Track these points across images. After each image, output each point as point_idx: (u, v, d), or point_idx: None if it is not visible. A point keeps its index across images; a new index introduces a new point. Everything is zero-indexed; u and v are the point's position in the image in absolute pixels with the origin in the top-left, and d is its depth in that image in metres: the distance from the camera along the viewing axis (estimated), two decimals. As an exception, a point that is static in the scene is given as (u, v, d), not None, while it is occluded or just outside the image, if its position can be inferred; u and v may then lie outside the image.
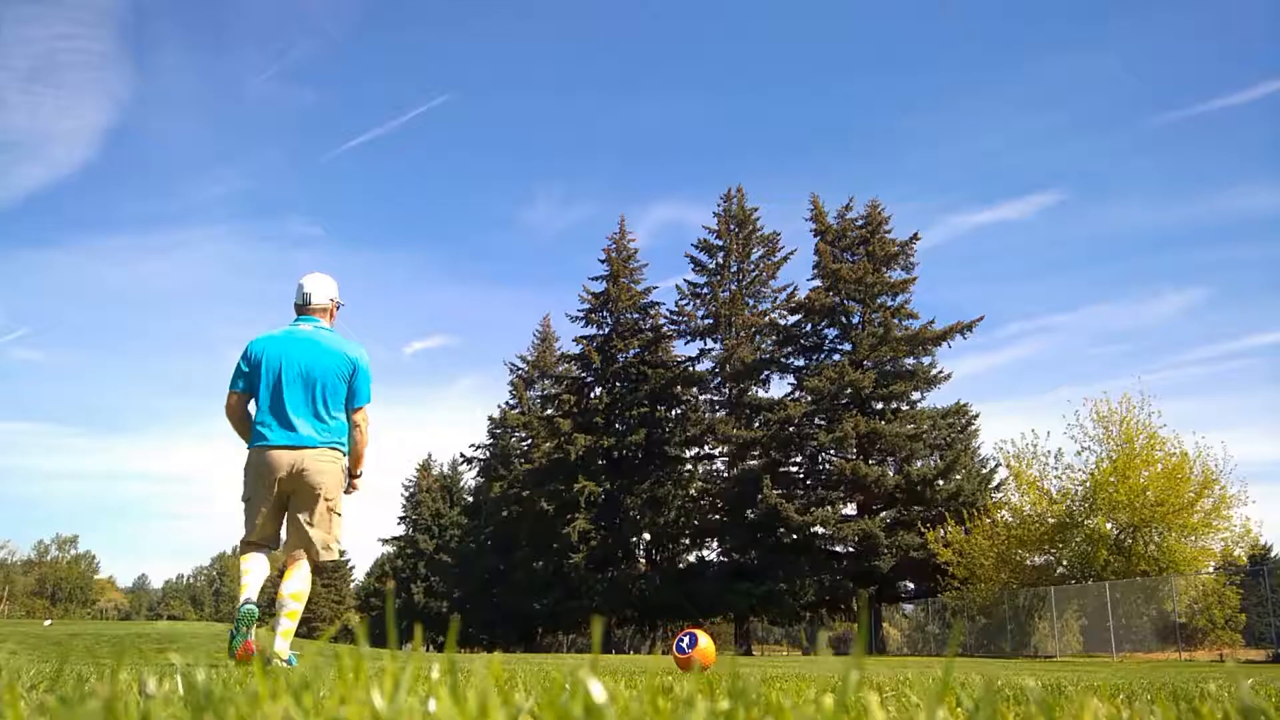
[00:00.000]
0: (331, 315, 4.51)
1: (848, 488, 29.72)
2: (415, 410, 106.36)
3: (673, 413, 35.73)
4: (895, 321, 30.17)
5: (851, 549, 29.37)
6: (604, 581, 32.89)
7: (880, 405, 30.56)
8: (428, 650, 36.64)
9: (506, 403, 44.91)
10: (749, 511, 31.17)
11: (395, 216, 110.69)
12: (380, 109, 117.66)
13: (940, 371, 30.72)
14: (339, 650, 1.14)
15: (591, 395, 36.51)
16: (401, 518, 51.54)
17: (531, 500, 35.18)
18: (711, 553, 34.41)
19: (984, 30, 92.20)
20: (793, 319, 33.18)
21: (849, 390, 29.54)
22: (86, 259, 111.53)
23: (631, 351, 36.09)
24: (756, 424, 32.64)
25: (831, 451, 30.74)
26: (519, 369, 45.11)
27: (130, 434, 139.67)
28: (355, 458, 4.45)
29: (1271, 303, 66.16)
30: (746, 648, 32.62)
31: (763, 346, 34.53)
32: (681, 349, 36.87)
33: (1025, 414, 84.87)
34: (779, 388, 37.24)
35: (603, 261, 37.75)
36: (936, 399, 34.53)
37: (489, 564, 39.54)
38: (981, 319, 29.75)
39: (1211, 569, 22.74)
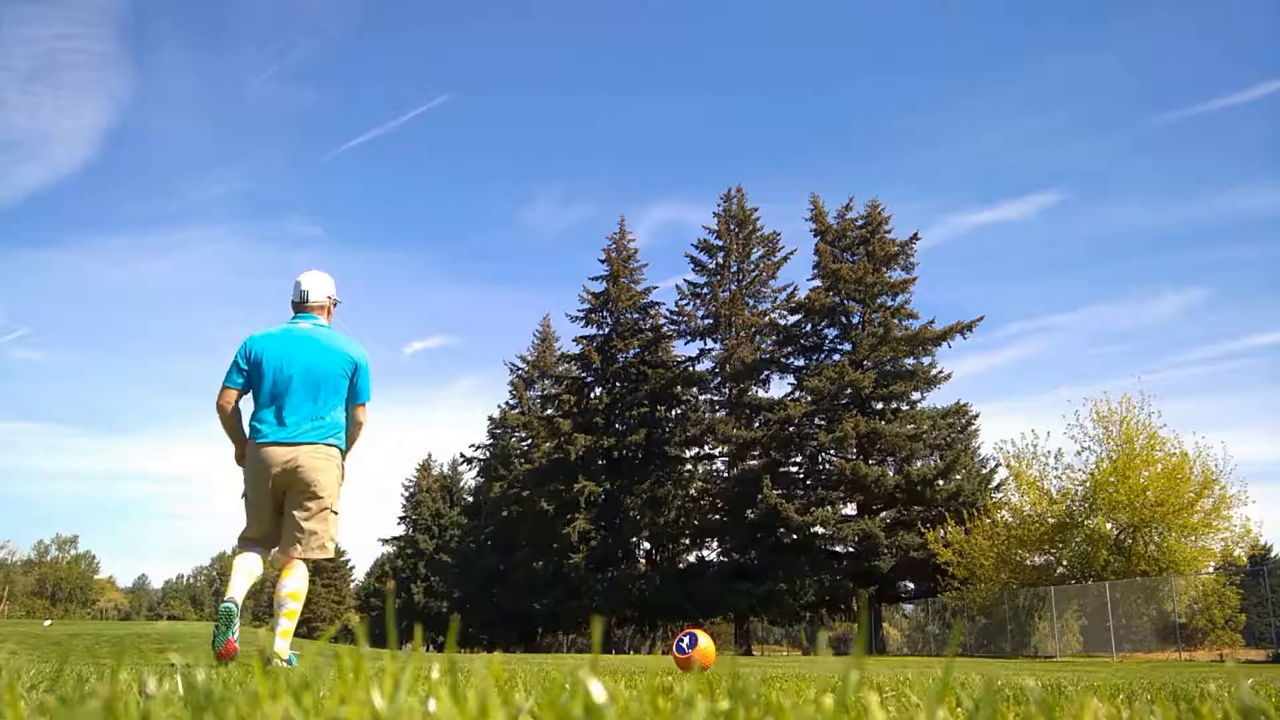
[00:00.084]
0: (329, 312, 4.53)
1: (848, 488, 29.73)
2: (415, 410, 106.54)
3: (673, 413, 35.73)
4: (895, 321, 30.18)
5: (851, 549, 29.37)
6: (604, 581, 32.89)
7: (880, 405, 30.57)
8: (428, 650, 36.62)
9: (506, 403, 44.94)
10: (749, 511, 31.17)
11: (395, 216, 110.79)
12: (380, 109, 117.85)
13: (940, 371, 30.76)
14: (339, 650, 1.14)
15: (591, 395, 36.51)
16: (401, 518, 51.58)
17: (531, 500, 35.18)
18: (711, 553, 34.45)
19: (984, 30, 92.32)
20: (793, 319, 33.21)
21: (849, 390, 29.55)
22: (86, 259, 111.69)
23: (631, 351, 36.10)
24: (756, 424, 32.65)
25: (831, 451, 30.75)
26: (519, 369, 45.13)
27: (130, 434, 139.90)
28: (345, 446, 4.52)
29: (1271, 303, 66.23)
30: (746, 648, 32.62)
31: (763, 346, 34.53)
32: (681, 349, 36.95)
33: (1025, 414, 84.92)
34: (779, 388, 37.28)
35: (603, 261, 37.81)
36: (936, 399, 34.56)
37: (489, 564, 39.53)
38: (981, 319, 29.84)
39: (1211, 569, 22.75)
